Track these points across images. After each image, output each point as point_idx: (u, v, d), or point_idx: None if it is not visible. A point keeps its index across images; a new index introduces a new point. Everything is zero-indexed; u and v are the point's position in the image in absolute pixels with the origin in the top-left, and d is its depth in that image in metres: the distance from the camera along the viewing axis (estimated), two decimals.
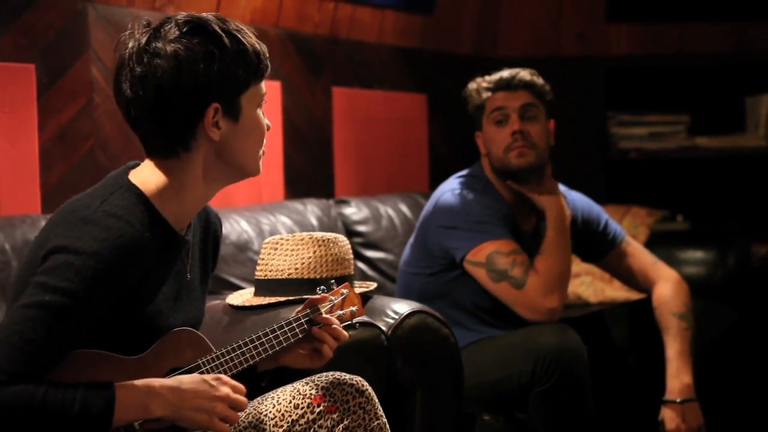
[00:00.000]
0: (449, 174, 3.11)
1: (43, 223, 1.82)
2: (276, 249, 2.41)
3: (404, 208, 3.62)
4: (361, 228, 3.46)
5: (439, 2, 4.17)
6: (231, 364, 1.85)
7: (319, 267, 2.37)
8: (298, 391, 1.89)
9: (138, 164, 1.87)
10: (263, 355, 1.88)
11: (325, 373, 1.93)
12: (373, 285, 2.47)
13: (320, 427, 1.87)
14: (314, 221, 3.26)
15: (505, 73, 2.97)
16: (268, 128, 1.90)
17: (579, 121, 4.35)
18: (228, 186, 1.96)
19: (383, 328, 2.34)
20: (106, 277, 1.69)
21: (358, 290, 2.37)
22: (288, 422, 1.86)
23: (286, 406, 1.87)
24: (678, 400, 2.84)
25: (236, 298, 2.44)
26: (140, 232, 1.74)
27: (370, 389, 1.93)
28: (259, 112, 1.87)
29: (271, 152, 3.38)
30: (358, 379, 1.93)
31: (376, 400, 1.93)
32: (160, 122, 1.79)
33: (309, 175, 3.58)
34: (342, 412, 1.89)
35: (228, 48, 1.79)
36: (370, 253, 3.44)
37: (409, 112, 4.11)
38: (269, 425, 1.85)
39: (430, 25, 4.18)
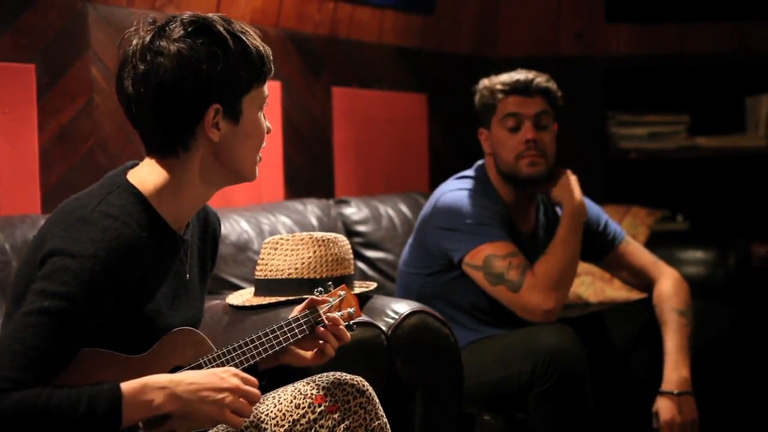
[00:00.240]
0: (449, 174, 3.11)
1: (42, 223, 1.81)
2: (276, 249, 2.41)
3: (404, 208, 3.62)
4: (361, 228, 3.46)
5: (439, 2, 4.17)
6: (232, 363, 1.84)
7: (319, 267, 2.37)
8: (299, 391, 1.89)
9: (137, 164, 1.88)
10: (264, 355, 1.88)
11: (326, 373, 1.93)
12: (373, 285, 2.47)
13: (321, 427, 1.87)
14: (314, 221, 3.26)
15: (521, 76, 2.94)
16: (269, 131, 1.90)
17: (579, 121, 4.35)
18: (227, 186, 1.95)
19: (383, 328, 2.34)
20: (103, 278, 1.69)
21: (357, 290, 2.37)
22: (289, 422, 1.86)
23: (287, 406, 1.87)
24: (675, 392, 2.83)
25: (236, 298, 2.44)
26: (137, 232, 1.74)
27: (370, 389, 1.93)
28: (260, 115, 1.87)
29: (271, 152, 3.38)
30: (358, 379, 1.93)
31: (377, 400, 1.94)
32: (161, 121, 1.79)
33: (309, 175, 3.58)
34: (343, 412, 1.89)
35: (232, 49, 1.79)
36: (370, 253, 3.44)
37: (409, 112, 4.11)
38: (270, 425, 1.85)
39: (430, 25, 4.18)
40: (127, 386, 1.68)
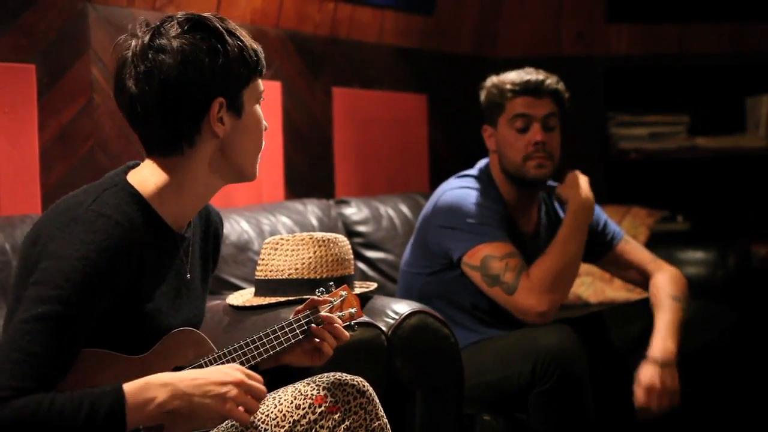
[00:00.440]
0: (449, 174, 3.11)
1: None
2: (276, 249, 2.41)
3: (404, 209, 3.62)
4: (362, 228, 3.46)
5: (439, 2, 4.17)
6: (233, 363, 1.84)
7: (319, 267, 2.37)
8: (299, 391, 1.89)
9: (138, 164, 1.88)
10: (264, 356, 1.88)
11: (326, 374, 1.93)
12: (374, 285, 2.47)
13: (321, 427, 1.87)
14: (314, 221, 3.26)
15: (531, 77, 2.93)
16: (266, 129, 1.91)
17: (579, 122, 4.34)
18: (228, 186, 1.95)
19: (383, 329, 2.34)
20: (95, 279, 1.69)
21: (358, 290, 2.37)
22: (289, 422, 1.86)
23: (288, 407, 1.87)
24: (659, 358, 2.81)
25: (236, 299, 2.44)
26: (128, 231, 1.74)
27: (371, 390, 1.93)
28: (258, 108, 1.89)
29: (272, 152, 3.38)
30: (359, 380, 1.93)
31: (377, 401, 1.94)
32: (167, 117, 1.80)
33: (309, 176, 3.58)
34: (343, 413, 1.89)
35: (229, 43, 1.82)
36: (371, 254, 3.44)
37: (409, 112, 4.11)
38: (270, 425, 1.85)
39: (430, 25, 4.18)
40: (129, 386, 1.68)
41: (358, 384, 1.92)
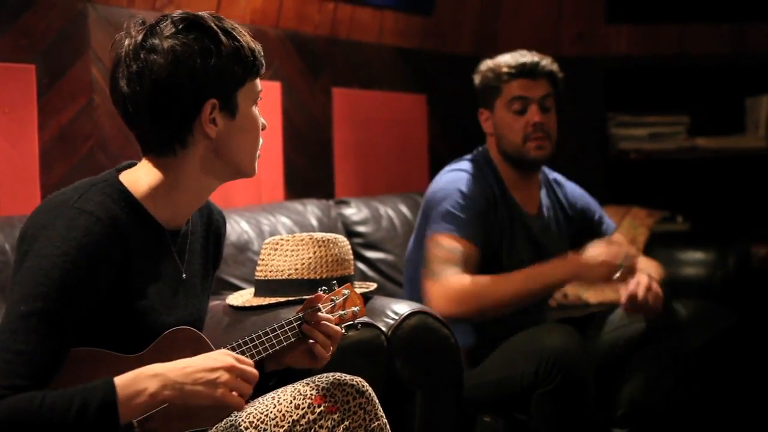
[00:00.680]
0: None
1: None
2: (276, 249, 2.41)
3: (404, 209, 3.63)
4: (361, 228, 3.46)
5: (439, 2, 4.17)
6: None
7: (319, 267, 2.37)
8: (298, 391, 1.89)
9: (134, 164, 1.88)
10: (263, 354, 1.88)
11: (325, 374, 1.93)
12: (373, 285, 2.47)
13: (321, 427, 1.87)
14: (314, 222, 3.26)
15: (527, 59, 2.96)
16: (264, 127, 1.91)
17: (579, 122, 4.35)
18: (228, 186, 1.95)
19: (383, 329, 2.34)
20: (75, 275, 1.69)
21: (357, 291, 2.37)
22: (289, 422, 1.86)
23: (287, 407, 1.87)
24: (649, 273, 2.81)
25: (236, 299, 2.45)
26: (109, 227, 1.73)
27: (370, 390, 1.93)
28: (255, 109, 1.88)
29: (271, 152, 3.38)
30: (358, 380, 1.93)
31: (377, 401, 1.93)
32: (158, 118, 1.79)
33: (309, 176, 3.58)
34: (342, 413, 1.89)
35: (224, 44, 1.80)
36: (370, 254, 3.44)
37: (408, 112, 4.11)
38: (270, 425, 1.85)
39: (430, 25, 4.18)
40: (119, 379, 1.68)
41: (358, 384, 1.92)
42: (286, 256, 2.39)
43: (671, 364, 2.86)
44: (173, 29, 1.79)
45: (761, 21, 4.46)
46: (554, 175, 3.13)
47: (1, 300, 2.25)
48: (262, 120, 1.90)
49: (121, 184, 1.81)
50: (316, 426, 1.87)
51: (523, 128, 2.93)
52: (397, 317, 2.37)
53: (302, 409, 1.87)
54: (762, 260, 4.10)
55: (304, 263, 2.37)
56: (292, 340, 1.92)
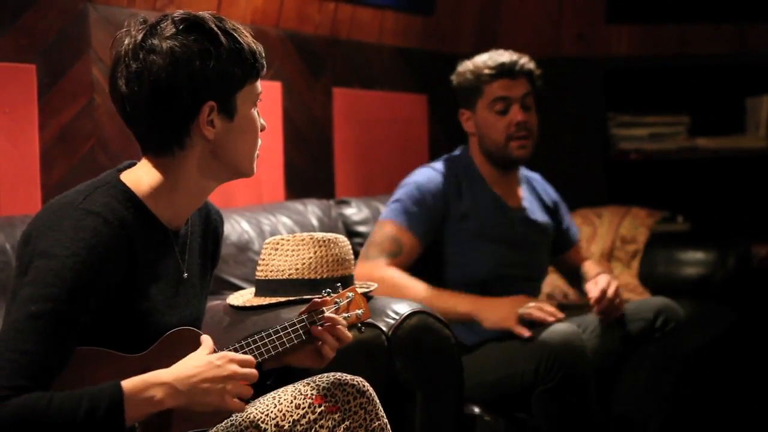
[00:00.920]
0: None
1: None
2: (277, 249, 2.41)
3: None
4: (362, 228, 3.46)
5: (439, 2, 4.17)
6: None
7: (319, 267, 2.37)
8: (299, 391, 1.89)
9: (134, 163, 1.88)
10: (266, 356, 1.88)
11: (326, 374, 1.93)
12: (374, 285, 2.47)
13: (321, 427, 1.87)
14: (315, 222, 3.26)
15: (505, 59, 2.99)
16: (263, 129, 1.90)
17: (579, 122, 4.35)
18: (228, 186, 1.95)
19: (384, 329, 2.34)
20: (85, 276, 1.69)
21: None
22: (289, 422, 1.86)
23: (288, 406, 1.87)
24: (610, 275, 2.90)
25: (237, 299, 2.45)
26: (117, 228, 1.74)
27: (371, 390, 1.93)
28: (254, 111, 1.87)
29: (272, 152, 3.39)
30: (359, 380, 1.93)
31: (377, 401, 1.94)
32: (155, 119, 1.79)
33: (309, 176, 3.59)
34: (343, 413, 1.89)
35: (224, 46, 1.79)
36: None
37: (409, 112, 4.11)
38: (270, 425, 1.85)
39: (430, 25, 4.18)
40: (128, 383, 1.69)
41: (358, 384, 1.92)
42: (287, 256, 2.39)
43: (670, 364, 2.87)
44: (173, 30, 1.79)
45: (762, 21, 4.46)
46: (529, 173, 3.19)
47: (2, 300, 2.25)
48: (261, 121, 1.90)
49: (124, 184, 1.81)
50: (317, 426, 1.87)
51: (506, 128, 2.97)
52: (397, 317, 2.37)
53: (303, 408, 1.87)
54: (762, 260, 4.11)
55: (304, 263, 2.37)
56: (295, 342, 1.92)
